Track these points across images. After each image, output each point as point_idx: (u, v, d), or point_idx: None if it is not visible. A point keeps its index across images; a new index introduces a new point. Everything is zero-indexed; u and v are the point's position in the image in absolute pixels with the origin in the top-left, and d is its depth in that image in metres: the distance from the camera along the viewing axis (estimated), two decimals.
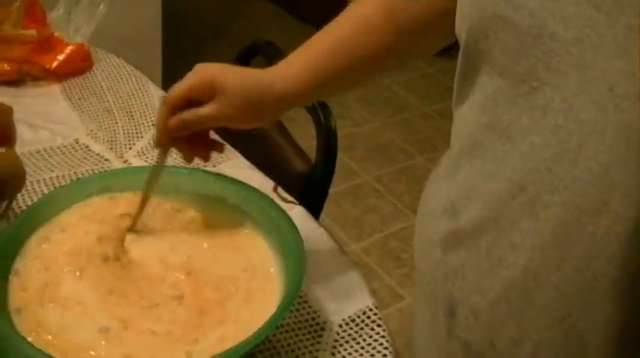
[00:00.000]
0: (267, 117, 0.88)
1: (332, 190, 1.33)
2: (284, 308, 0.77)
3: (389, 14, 0.84)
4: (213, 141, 0.92)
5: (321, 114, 1.25)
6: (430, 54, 0.90)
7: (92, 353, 0.74)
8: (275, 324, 0.75)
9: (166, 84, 1.35)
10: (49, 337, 0.74)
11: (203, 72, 0.85)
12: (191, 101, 0.84)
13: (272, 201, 0.92)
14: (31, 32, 1.37)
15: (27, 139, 1.16)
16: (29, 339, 0.72)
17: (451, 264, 0.70)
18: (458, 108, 0.73)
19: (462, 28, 0.68)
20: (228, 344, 0.74)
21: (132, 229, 0.89)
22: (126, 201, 0.92)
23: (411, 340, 0.89)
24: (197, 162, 0.91)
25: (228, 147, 1.18)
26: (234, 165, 1.14)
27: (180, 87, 0.84)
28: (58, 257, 0.84)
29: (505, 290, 0.63)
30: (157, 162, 0.90)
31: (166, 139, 0.87)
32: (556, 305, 0.60)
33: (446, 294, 0.71)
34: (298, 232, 0.85)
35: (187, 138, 0.87)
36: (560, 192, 0.58)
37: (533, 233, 0.60)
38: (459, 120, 0.72)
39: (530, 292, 0.61)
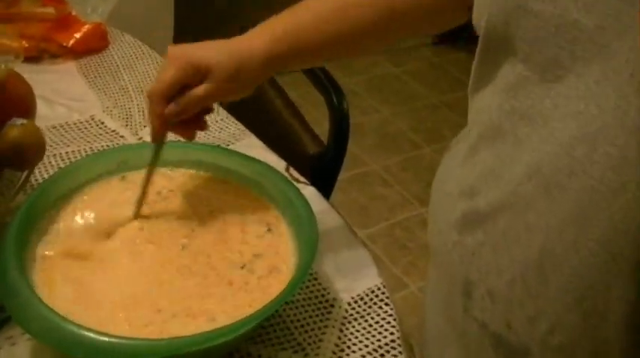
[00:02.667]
0: (255, 84, 0.89)
1: (339, 177, 1.34)
2: (295, 284, 0.78)
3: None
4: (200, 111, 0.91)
5: (334, 96, 1.26)
6: (416, 35, 0.92)
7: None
8: (285, 300, 0.77)
9: None
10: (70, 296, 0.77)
11: (182, 56, 0.85)
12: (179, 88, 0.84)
13: (286, 178, 0.94)
14: (50, 10, 1.39)
15: (44, 115, 1.17)
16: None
17: (468, 245, 0.70)
18: (476, 94, 0.73)
19: (481, 18, 0.68)
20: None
21: (137, 216, 0.90)
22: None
23: (422, 323, 0.90)
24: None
25: (242, 127, 1.19)
26: (247, 144, 1.15)
27: (166, 78, 0.84)
28: (76, 226, 0.86)
29: (521, 270, 0.64)
30: (152, 158, 0.90)
31: (163, 132, 0.87)
32: (573, 286, 0.60)
33: (462, 275, 0.71)
34: (311, 209, 0.87)
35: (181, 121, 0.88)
36: (577, 176, 0.58)
37: (549, 213, 0.61)
38: (478, 105, 0.73)
39: (546, 273, 0.62)
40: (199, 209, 0.92)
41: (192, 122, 0.89)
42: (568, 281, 0.61)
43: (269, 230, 0.90)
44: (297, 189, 0.90)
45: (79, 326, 0.69)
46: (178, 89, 0.84)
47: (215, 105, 1.13)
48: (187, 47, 0.86)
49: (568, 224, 0.60)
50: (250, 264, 0.85)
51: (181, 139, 0.92)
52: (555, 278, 0.62)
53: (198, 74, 0.83)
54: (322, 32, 0.87)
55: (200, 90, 0.84)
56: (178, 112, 0.84)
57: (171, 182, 0.96)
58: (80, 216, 0.88)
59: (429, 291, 0.89)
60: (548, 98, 0.61)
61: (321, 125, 1.31)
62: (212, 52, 0.85)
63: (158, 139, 0.88)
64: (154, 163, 0.90)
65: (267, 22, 0.88)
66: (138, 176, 0.92)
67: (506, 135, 0.66)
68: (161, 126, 0.86)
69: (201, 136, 1.16)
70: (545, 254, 0.62)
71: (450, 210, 0.74)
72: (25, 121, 0.84)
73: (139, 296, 0.79)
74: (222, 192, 0.95)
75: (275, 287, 0.81)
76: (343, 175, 1.34)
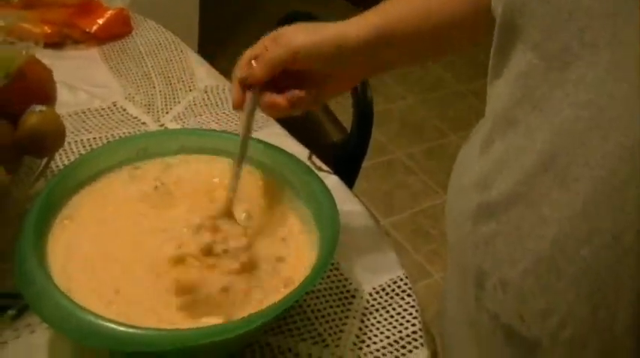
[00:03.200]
0: (352, 68, 0.88)
1: (363, 165, 1.33)
2: (316, 274, 0.77)
3: None
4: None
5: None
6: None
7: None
8: (307, 289, 0.76)
9: (203, 51, 1.36)
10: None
11: (277, 32, 0.85)
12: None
13: (308, 167, 0.92)
14: None
15: (65, 101, 1.17)
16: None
17: (481, 236, 0.70)
18: (493, 83, 0.73)
19: (498, 4, 0.68)
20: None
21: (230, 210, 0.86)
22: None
23: (442, 311, 0.89)
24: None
25: (264, 115, 1.18)
26: (270, 132, 1.14)
27: (255, 46, 0.85)
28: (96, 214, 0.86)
29: (534, 262, 0.63)
30: (240, 150, 0.88)
31: (240, 97, 0.86)
32: (585, 279, 0.60)
33: (475, 265, 0.71)
34: (334, 199, 0.86)
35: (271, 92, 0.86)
36: (590, 166, 0.58)
37: (562, 205, 0.60)
38: (494, 95, 0.72)
39: (558, 265, 0.61)
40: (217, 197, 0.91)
41: (284, 100, 0.87)
42: (579, 274, 0.60)
43: (290, 220, 0.89)
44: (320, 179, 0.89)
45: (96, 315, 0.68)
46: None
47: None
48: (291, 31, 0.86)
49: (581, 216, 0.59)
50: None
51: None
52: (567, 271, 0.61)
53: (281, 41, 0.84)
54: (415, 25, 0.86)
55: (270, 49, 0.84)
56: (247, 72, 0.84)
57: (189, 170, 0.94)
58: (101, 203, 0.88)
59: (447, 282, 0.89)
60: (558, 87, 0.60)
61: (346, 112, 1.30)
62: (309, 38, 0.84)
63: (235, 106, 0.87)
64: (242, 156, 0.88)
65: (359, 15, 0.87)
66: (155, 165, 0.91)
67: (517, 125, 0.65)
68: (237, 92, 0.86)
69: (222, 124, 1.15)
70: (557, 246, 0.61)
71: (465, 201, 0.74)
72: (44, 108, 0.84)
73: (159, 284, 0.78)
74: (243, 181, 0.94)
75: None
76: (367, 163, 1.33)
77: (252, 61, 0.85)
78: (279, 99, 0.85)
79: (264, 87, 0.85)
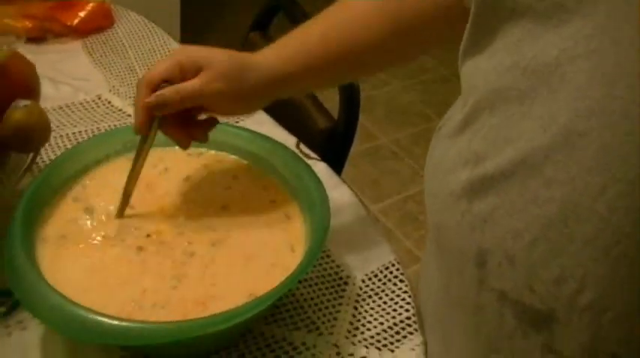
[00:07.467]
0: (254, 99, 0.85)
1: (350, 152, 1.33)
2: (308, 261, 0.77)
3: (386, 11, 0.84)
4: (204, 120, 0.87)
5: None
6: (424, 52, 0.93)
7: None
8: (299, 277, 0.75)
9: (185, 41, 1.35)
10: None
11: (183, 51, 0.82)
12: (172, 81, 0.80)
13: (296, 154, 0.92)
14: None
15: (49, 95, 1.16)
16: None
17: (479, 213, 0.68)
18: (469, 61, 0.71)
19: None
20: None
21: (120, 215, 0.85)
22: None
23: (419, 310, 0.88)
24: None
25: None
26: (257, 120, 1.13)
27: (159, 67, 0.80)
28: (83, 208, 0.85)
29: (542, 229, 0.61)
30: (137, 152, 0.84)
31: (145, 123, 0.81)
32: (601, 235, 0.58)
33: (474, 245, 0.69)
34: (323, 186, 0.85)
35: (175, 122, 0.83)
36: (597, 117, 0.56)
37: (569, 163, 0.58)
38: (473, 71, 0.70)
39: (570, 227, 0.59)
40: (205, 189, 0.90)
41: (190, 128, 0.85)
42: (595, 231, 0.58)
43: (280, 209, 0.88)
44: (308, 166, 0.89)
45: (88, 309, 0.68)
46: (168, 81, 0.80)
47: None
48: (193, 46, 0.83)
49: (593, 169, 0.57)
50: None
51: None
52: (581, 231, 0.59)
53: (193, 68, 0.80)
54: (329, 51, 0.85)
55: (188, 82, 0.79)
56: (158, 102, 0.79)
57: (173, 160, 0.94)
58: (87, 197, 0.87)
59: (426, 271, 0.87)
60: (552, 44, 0.59)
61: (332, 99, 1.29)
62: (216, 51, 0.82)
63: (139, 131, 0.82)
64: (138, 159, 0.84)
65: (277, 41, 0.86)
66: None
67: (509, 93, 0.64)
68: (143, 118, 0.81)
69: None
70: (568, 207, 0.59)
71: (453, 182, 0.72)
72: (28, 103, 0.83)
73: (149, 276, 0.78)
74: (231, 170, 0.93)
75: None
76: (354, 149, 1.33)
77: (164, 88, 0.80)
78: (181, 135, 0.84)
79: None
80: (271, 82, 0.84)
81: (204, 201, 0.88)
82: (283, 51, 0.85)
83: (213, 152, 0.96)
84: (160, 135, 0.83)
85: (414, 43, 0.90)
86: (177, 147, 0.86)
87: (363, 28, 0.86)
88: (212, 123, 0.86)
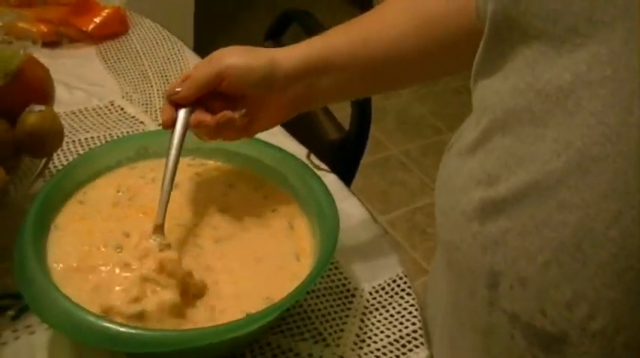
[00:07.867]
0: (281, 88, 0.85)
1: (360, 162, 1.33)
2: (316, 273, 0.77)
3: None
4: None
5: None
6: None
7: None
8: (307, 289, 0.76)
9: (198, 50, 1.36)
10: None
11: (217, 63, 0.83)
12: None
13: (307, 165, 0.92)
14: None
15: (63, 100, 1.17)
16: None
17: (490, 235, 0.68)
18: (483, 81, 0.71)
19: (486, 3, 0.67)
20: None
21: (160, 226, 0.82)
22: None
23: (425, 323, 0.88)
24: None
25: None
26: (268, 131, 1.13)
27: (198, 80, 0.83)
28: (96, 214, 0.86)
29: (555, 252, 0.61)
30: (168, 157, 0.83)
31: (169, 114, 0.84)
32: (615, 260, 0.57)
33: (485, 267, 0.69)
34: (332, 198, 0.85)
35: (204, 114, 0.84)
36: (612, 143, 0.56)
37: (583, 188, 0.58)
38: (486, 92, 0.70)
39: (584, 251, 0.59)
40: (217, 199, 0.91)
41: (211, 120, 0.84)
42: (609, 256, 0.58)
43: (289, 222, 0.89)
44: (319, 178, 0.89)
45: (97, 315, 0.68)
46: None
47: None
48: (227, 52, 0.84)
49: (609, 195, 0.57)
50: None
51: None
52: (594, 256, 0.58)
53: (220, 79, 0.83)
54: (355, 56, 0.85)
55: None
56: (179, 90, 0.83)
57: (185, 172, 0.94)
58: (99, 203, 0.88)
59: (433, 288, 0.87)
60: (566, 69, 0.59)
61: (343, 110, 1.30)
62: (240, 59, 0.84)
63: (164, 124, 0.85)
64: (171, 177, 0.83)
65: (301, 42, 0.87)
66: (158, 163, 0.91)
67: (523, 115, 0.63)
68: (168, 109, 0.84)
69: None
70: (582, 231, 0.59)
71: (465, 201, 0.71)
72: (43, 108, 0.83)
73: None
74: (242, 181, 0.93)
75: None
76: (364, 160, 1.33)
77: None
78: (207, 117, 0.83)
79: (198, 108, 0.84)
80: (299, 76, 0.84)
81: (209, 208, 0.89)
82: (309, 49, 0.85)
83: (221, 163, 0.97)
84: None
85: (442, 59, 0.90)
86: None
87: (393, 34, 0.86)
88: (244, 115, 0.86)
